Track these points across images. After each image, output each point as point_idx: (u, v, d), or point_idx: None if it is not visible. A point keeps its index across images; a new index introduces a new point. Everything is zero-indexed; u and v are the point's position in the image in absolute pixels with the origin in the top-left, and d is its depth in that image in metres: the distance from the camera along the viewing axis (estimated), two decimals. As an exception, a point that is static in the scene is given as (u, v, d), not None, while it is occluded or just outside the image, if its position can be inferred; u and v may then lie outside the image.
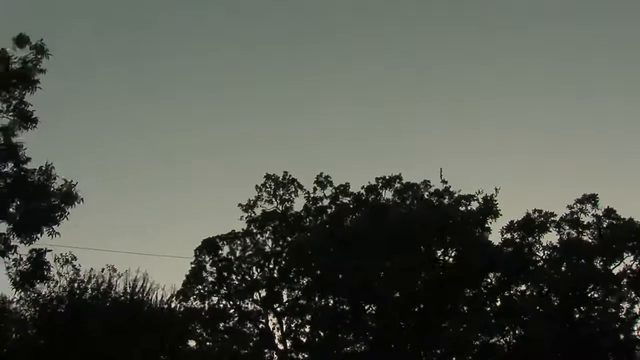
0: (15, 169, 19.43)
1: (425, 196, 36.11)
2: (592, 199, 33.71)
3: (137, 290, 27.74)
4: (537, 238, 33.67)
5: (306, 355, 36.84)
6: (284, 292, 38.13)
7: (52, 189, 19.54)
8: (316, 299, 36.79)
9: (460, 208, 34.28)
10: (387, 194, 37.69)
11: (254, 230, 38.93)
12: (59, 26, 79.47)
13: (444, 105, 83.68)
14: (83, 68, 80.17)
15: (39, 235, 19.14)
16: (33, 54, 20.29)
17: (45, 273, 20.07)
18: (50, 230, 19.35)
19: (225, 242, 38.54)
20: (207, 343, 36.02)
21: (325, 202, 39.20)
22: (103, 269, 27.31)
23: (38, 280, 20.26)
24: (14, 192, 19.03)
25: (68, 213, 19.66)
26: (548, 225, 33.67)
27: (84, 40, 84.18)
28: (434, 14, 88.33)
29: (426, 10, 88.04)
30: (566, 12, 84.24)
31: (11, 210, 19.10)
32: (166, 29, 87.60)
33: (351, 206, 38.30)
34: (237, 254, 38.57)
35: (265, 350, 37.43)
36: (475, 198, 34.05)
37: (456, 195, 34.89)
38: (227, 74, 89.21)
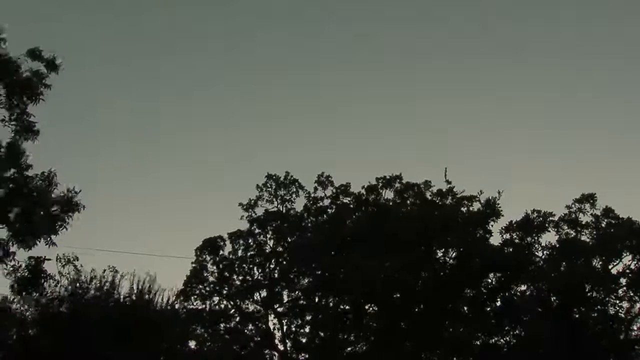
0: (16, 175, 19.06)
1: (428, 196, 36.11)
2: (590, 198, 33.69)
3: (140, 291, 27.65)
4: (536, 238, 33.67)
5: (306, 356, 36.89)
6: (285, 293, 38.25)
7: (53, 195, 19.21)
8: (317, 299, 36.89)
9: (462, 209, 34.31)
10: (388, 194, 37.85)
11: (256, 230, 38.95)
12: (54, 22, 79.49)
13: (444, 105, 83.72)
14: (82, 66, 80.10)
15: (37, 241, 18.86)
16: (44, 67, 19.41)
17: (43, 282, 19.84)
18: (48, 239, 19.00)
19: (226, 242, 38.58)
20: (208, 344, 36.00)
21: (326, 202, 39.30)
22: (105, 270, 27.29)
23: (35, 288, 19.91)
24: (14, 197, 18.72)
25: (68, 223, 19.34)
26: (547, 225, 33.65)
27: (82, 37, 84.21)
28: (433, 12, 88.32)
29: (426, 9, 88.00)
30: (567, 12, 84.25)
31: (11, 215, 18.79)
32: (165, 27, 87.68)
33: (352, 206, 38.33)
34: (239, 253, 38.56)
35: (266, 351, 37.49)
36: (476, 199, 34.10)
37: (458, 195, 34.93)
38: (228, 73, 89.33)
